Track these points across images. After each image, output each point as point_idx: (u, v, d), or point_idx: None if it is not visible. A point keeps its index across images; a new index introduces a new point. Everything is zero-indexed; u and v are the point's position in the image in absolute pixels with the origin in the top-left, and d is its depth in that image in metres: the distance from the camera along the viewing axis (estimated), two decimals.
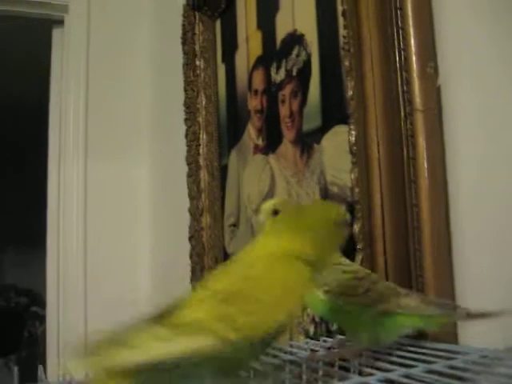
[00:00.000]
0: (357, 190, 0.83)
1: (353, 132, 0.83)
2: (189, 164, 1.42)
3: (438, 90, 0.77)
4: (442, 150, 0.77)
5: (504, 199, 0.70)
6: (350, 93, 0.83)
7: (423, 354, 0.58)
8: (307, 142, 1.06)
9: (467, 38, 0.75)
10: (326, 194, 1.01)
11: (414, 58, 0.76)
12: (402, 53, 0.77)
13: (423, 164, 0.75)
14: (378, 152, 0.81)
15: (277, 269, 0.49)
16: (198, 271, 1.35)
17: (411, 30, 0.76)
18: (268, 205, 0.61)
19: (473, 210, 0.74)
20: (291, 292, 0.48)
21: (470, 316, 0.59)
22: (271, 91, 1.18)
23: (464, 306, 0.61)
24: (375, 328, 0.58)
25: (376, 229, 0.80)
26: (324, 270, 0.59)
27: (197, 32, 1.40)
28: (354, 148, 0.83)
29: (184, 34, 1.43)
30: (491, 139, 0.72)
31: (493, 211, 0.72)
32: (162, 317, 0.46)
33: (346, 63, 0.84)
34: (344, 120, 0.95)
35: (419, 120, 0.76)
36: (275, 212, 0.60)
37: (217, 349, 0.42)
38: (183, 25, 1.47)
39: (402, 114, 0.78)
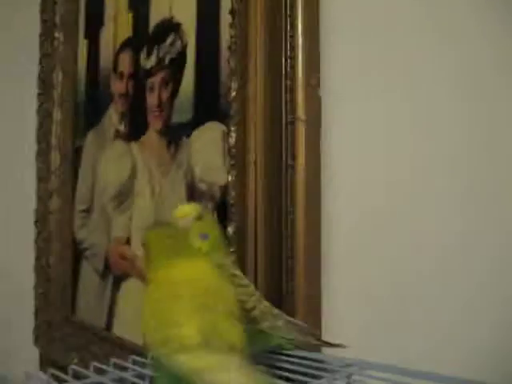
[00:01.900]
0: (233, 193, 0.83)
1: (233, 134, 0.82)
2: (39, 143, 1.32)
3: (319, 101, 0.79)
4: (319, 160, 0.79)
5: (375, 212, 0.75)
6: (233, 94, 0.82)
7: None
8: (176, 135, 1.04)
9: (350, 53, 0.78)
10: (192, 190, 1.00)
11: (300, 68, 0.77)
12: (289, 61, 0.78)
13: (301, 173, 0.77)
14: (256, 157, 0.81)
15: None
16: (44, 257, 1.27)
17: (300, 40, 0.77)
18: (192, 208, 0.60)
19: (344, 221, 0.77)
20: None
21: (321, 344, 0.63)
22: (139, 76, 1.13)
23: (317, 333, 0.64)
24: (249, 343, 0.59)
25: (249, 232, 0.81)
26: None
27: (58, 1, 1.29)
28: (233, 150, 0.82)
29: (43, 0, 1.32)
30: (366, 151, 0.76)
31: (363, 222, 0.76)
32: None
33: (231, 63, 0.83)
34: (218, 117, 0.94)
35: (300, 129, 0.77)
36: (200, 217, 0.60)
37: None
38: None
39: (284, 121, 0.79)
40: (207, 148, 0.97)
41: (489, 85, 0.66)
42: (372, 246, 0.75)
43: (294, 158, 0.78)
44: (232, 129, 0.83)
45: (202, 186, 0.98)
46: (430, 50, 0.72)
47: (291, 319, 0.61)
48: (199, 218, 0.62)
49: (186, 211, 0.62)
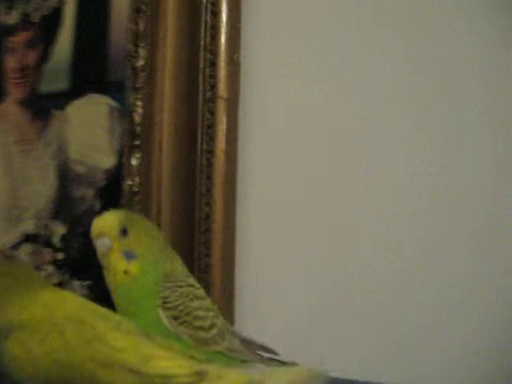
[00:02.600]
0: (136, 179, 0.70)
1: (138, 109, 0.70)
2: None
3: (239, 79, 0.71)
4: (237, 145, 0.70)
5: (296, 204, 0.69)
6: (140, 63, 0.70)
7: None
8: (44, 107, 0.88)
9: (275, 27, 0.71)
10: (65, 173, 0.85)
11: (223, 40, 0.68)
12: (210, 31, 0.68)
13: (220, 157, 0.68)
14: (162, 137, 0.70)
15: None
16: None
17: (224, 6, 0.68)
18: (111, 222, 0.46)
19: (260, 210, 0.70)
20: None
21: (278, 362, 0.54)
22: None
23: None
24: None
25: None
26: (170, 289, 0.47)
27: None
28: (138, 129, 0.70)
29: None
30: (283, 134, 0.70)
31: (283, 213, 0.69)
32: None
33: (140, 26, 0.70)
34: (103, 89, 0.81)
35: (221, 109, 0.68)
36: (124, 231, 0.46)
37: None
38: None
39: (201, 99, 0.69)
40: (88, 124, 0.83)
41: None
42: (293, 239, 0.69)
43: (212, 141, 0.68)
44: (137, 103, 0.70)
45: (79, 169, 0.84)
46: (359, 30, 0.67)
47: (245, 336, 0.52)
48: (124, 232, 0.48)
49: (104, 228, 0.47)
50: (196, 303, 0.48)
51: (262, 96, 0.69)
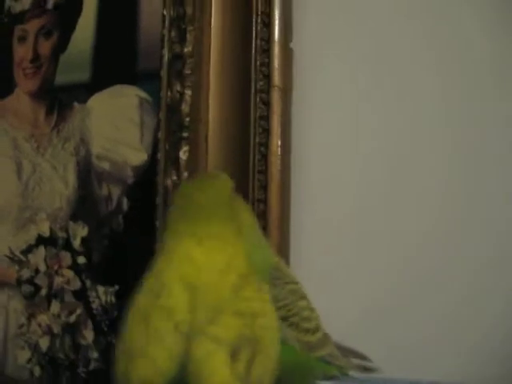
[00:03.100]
0: (186, 173, 0.65)
1: (187, 99, 0.65)
2: None
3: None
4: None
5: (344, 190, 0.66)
6: (189, 48, 0.64)
7: None
8: (62, 99, 0.82)
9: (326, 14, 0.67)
10: (87, 169, 0.79)
11: (277, 27, 0.64)
12: (262, 17, 0.64)
13: (276, 151, 0.63)
14: (207, 131, 0.65)
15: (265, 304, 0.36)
16: None
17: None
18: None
19: (316, 210, 0.66)
20: None
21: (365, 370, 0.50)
22: (2, 21, 0.87)
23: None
24: (302, 373, 0.44)
25: None
26: (279, 286, 0.42)
27: None
28: (187, 120, 0.65)
29: None
30: (336, 126, 0.66)
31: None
32: None
33: (188, 9, 0.65)
34: (131, 79, 0.76)
35: (276, 99, 0.64)
36: None
37: None
38: None
39: (253, 88, 0.64)
40: (114, 117, 0.78)
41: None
42: (348, 241, 0.65)
43: (265, 133, 0.64)
44: (187, 92, 0.65)
45: (103, 165, 0.79)
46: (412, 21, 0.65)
47: (336, 340, 0.47)
48: None
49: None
50: (303, 303, 0.43)
51: (318, 85, 0.65)
